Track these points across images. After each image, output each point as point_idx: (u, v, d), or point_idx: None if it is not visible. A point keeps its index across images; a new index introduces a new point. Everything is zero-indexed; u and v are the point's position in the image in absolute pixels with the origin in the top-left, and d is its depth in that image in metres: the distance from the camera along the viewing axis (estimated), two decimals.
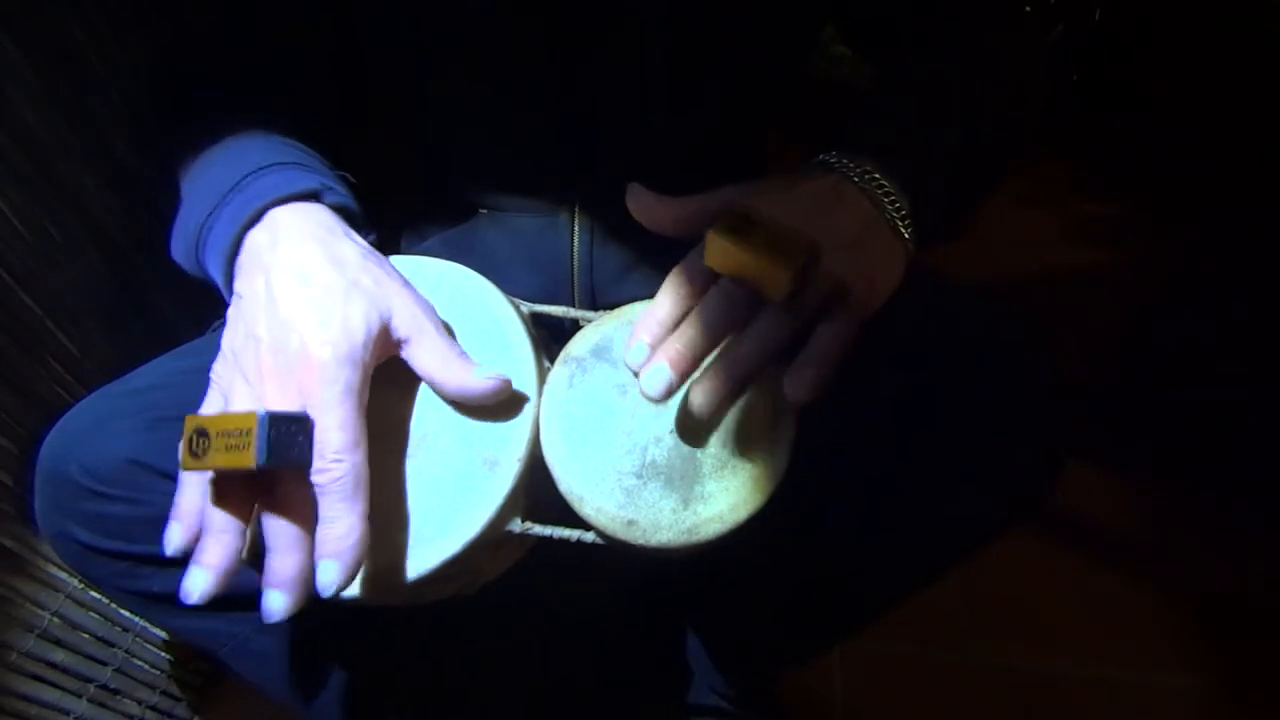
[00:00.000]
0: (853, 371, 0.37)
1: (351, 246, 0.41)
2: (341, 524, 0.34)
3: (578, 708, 0.80)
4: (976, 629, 0.89)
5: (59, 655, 0.62)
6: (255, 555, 0.36)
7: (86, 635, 0.65)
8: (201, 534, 0.35)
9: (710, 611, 0.72)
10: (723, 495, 0.40)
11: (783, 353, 0.37)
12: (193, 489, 0.36)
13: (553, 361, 0.45)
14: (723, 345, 0.38)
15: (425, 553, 0.39)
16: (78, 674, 0.64)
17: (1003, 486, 0.47)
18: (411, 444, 0.42)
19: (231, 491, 0.35)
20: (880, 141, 0.43)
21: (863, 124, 0.46)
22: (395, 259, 0.44)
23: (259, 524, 0.36)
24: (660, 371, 0.36)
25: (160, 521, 0.36)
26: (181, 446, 0.34)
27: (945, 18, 0.53)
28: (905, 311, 0.40)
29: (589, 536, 0.42)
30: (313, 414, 0.35)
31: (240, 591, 0.34)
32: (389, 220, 0.60)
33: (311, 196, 0.42)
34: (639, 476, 0.41)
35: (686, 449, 0.41)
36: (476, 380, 0.39)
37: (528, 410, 0.42)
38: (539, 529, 0.42)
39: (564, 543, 0.42)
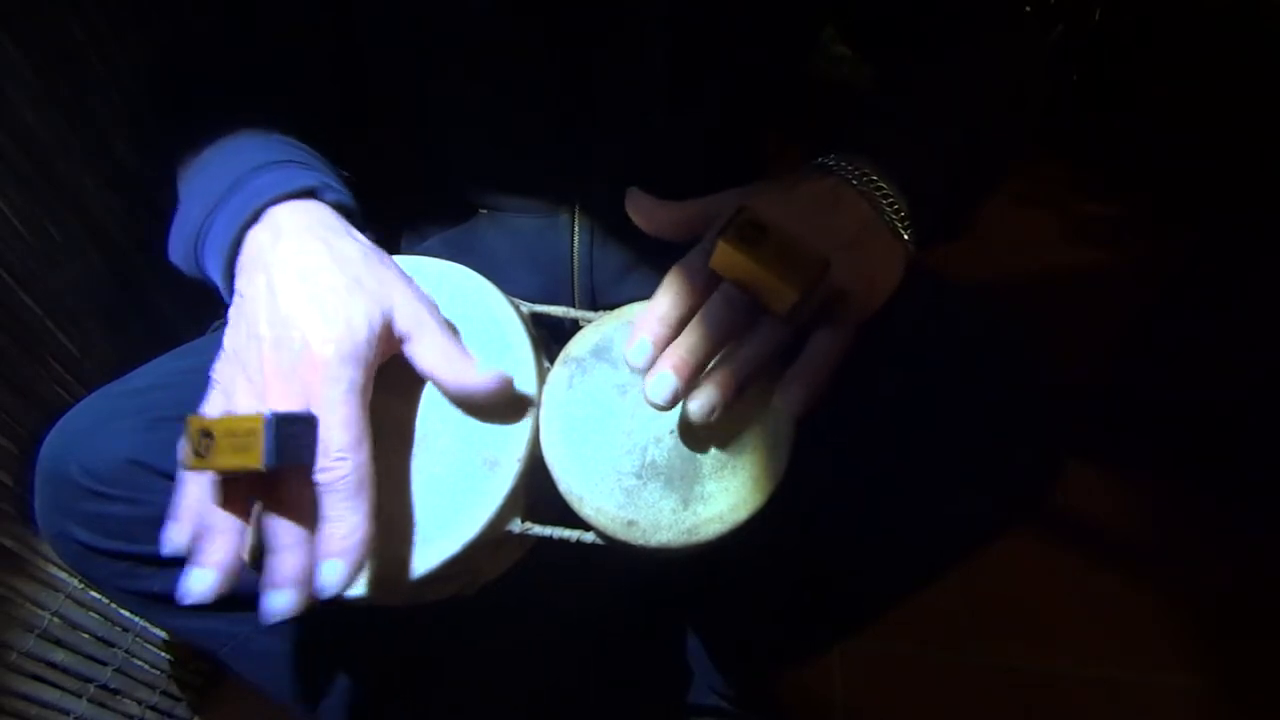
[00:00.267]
0: (853, 372, 0.37)
1: (353, 244, 0.41)
2: (345, 523, 0.34)
3: (578, 707, 0.80)
4: (976, 629, 0.89)
5: (59, 655, 0.62)
6: (256, 556, 0.36)
7: (86, 635, 0.65)
8: (203, 534, 0.35)
9: (710, 611, 0.72)
10: (723, 495, 0.40)
11: (783, 353, 0.37)
12: (192, 488, 0.36)
13: (553, 361, 0.45)
14: (723, 351, 0.38)
15: (425, 553, 0.39)
16: (78, 674, 0.64)
17: (1003, 486, 0.47)
18: (412, 444, 0.42)
19: (234, 491, 0.35)
20: (880, 142, 0.43)
21: (862, 124, 0.46)
22: (394, 259, 0.44)
23: (259, 523, 0.36)
24: (665, 379, 0.36)
25: (160, 521, 0.36)
26: (185, 447, 0.34)
27: (945, 18, 0.53)
28: (905, 311, 0.40)
29: (589, 537, 0.42)
30: (316, 412, 0.35)
31: (241, 591, 0.34)
32: (389, 220, 0.60)
33: (310, 194, 0.42)
34: (639, 477, 0.41)
35: (686, 449, 0.41)
36: (478, 376, 0.39)
37: (528, 410, 0.42)
38: (539, 529, 0.42)
39: (564, 543, 0.42)
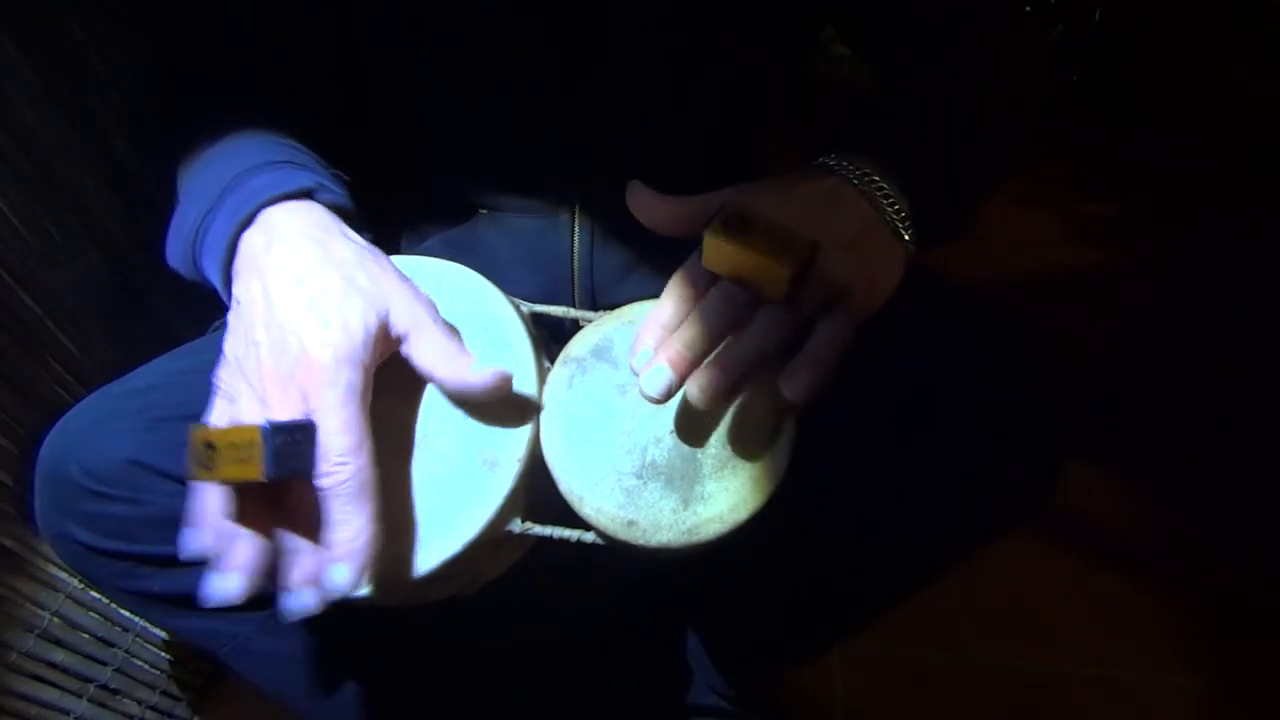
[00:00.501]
0: (853, 371, 0.37)
1: (348, 245, 0.40)
2: (350, 526, 0.34)
3: (578, 707, 0.80)
4: (976, 629, 0.89)
5: (59, 655, 0.62)
6: None
7: (86, 635, 0.65)
8: (226, 538, 0.35)
9: (710, 611, 0.72)
10: (723, 495, 0.40)
11: (783, 352, 0.37)
12: (207, 494, 0.36)
13: (553, 361, 0.45)
14: (723, 345, 0.38)
15: (426, 553, 0.39)
16: (78, 674, 0.64)
17: (1003, 486, 0.47)
18: (412, 444, 0.42)
19: (249, 497, 0.35)
20: (880, 142, 0.43)
21: (863, 124, 0.46)
22: (395, 259, 0.44)
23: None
24: (660, 372, 0.36)
25: (160, 522, 0.36)
26: (189, 459, 0.34)
27: (945, 18, 0.53)
28: (905, 311, 0.40)
29: (589, 536, 0.42)
30: (315, 417, 0.35)
31: None
32: (389, 220, 0.60)
33: (306, 195, 0.42)
34: (639, 477, 0.41)
35: (686, 449, 0.41)
36: (477, 374, 0.39)
37: (528, 410, 0.42)
38: (539, 529, 0.42)
39: (564, 543, 0.42)
